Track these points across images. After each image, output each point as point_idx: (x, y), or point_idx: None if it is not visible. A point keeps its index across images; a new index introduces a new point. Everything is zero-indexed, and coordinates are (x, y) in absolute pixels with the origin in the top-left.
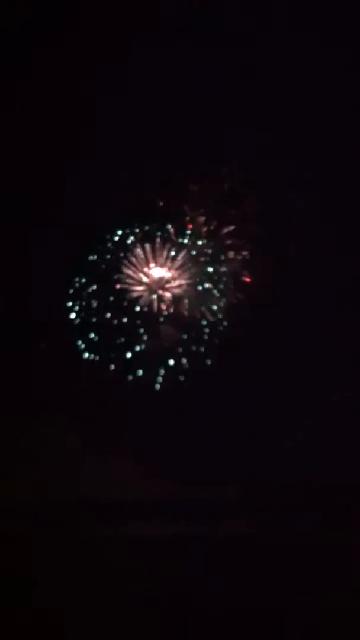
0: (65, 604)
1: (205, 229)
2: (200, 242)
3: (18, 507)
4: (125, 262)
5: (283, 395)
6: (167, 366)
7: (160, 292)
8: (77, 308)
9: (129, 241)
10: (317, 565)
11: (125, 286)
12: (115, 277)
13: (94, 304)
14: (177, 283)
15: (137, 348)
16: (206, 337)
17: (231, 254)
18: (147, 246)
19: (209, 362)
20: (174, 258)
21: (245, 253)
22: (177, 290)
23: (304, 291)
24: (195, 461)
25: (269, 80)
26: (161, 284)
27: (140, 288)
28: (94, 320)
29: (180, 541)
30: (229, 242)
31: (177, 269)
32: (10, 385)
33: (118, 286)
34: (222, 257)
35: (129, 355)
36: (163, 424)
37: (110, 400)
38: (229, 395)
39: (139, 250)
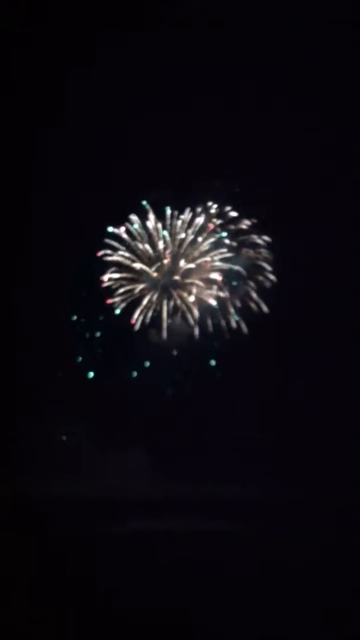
0: (70, 597)
1: (219, 222)
2: (213, 238)
3: (26, 505)
4: (134, 257)
5: (289, 398)
6: (174, 370)
7: (174, 292)
8: (81, 318)
9: (137, 235)
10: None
11: (131, 285)
12: (121, 274)
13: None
14: (189, 280)
15: (143, 350)
16: (215, 339)
17: (248, 252)
18: (156, 240)
19: (216, 370)
20: (185, 253)
21: (262, 251)
22: (189, 288)
23: (319, 297)
24: (200, 462)
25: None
26: (172, 280)
27: (144, 285)
28: (99, 321)
29: (184, 538)
30: (244, 238)
31: (190, 263)
32: (18, 388)
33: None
34: (238, 254)
35: (135, 356)
36: (170, 426)
37: (120, 402)
38: (235, 398)
39: (147, 244)
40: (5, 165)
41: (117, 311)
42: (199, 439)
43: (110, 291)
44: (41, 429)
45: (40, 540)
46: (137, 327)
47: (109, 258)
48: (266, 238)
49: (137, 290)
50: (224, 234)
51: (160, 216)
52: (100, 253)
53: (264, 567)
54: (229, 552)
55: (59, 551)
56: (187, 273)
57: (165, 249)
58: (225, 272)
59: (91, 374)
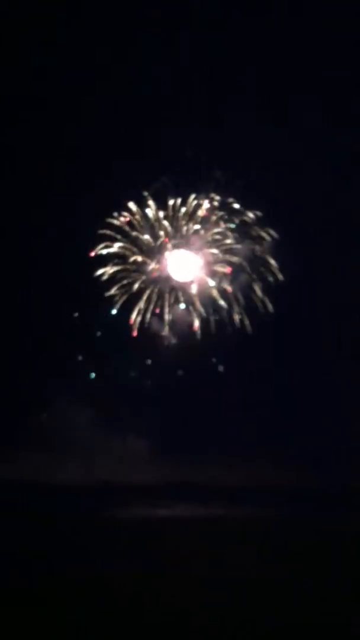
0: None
1: (221, 214)
2: (217, 229)
3: (28, 490)
4: (135, 248)
5: (289, 385)
6: (175, 363)
7: (176, 284)
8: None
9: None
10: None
11: (132, 278)
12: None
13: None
14: (190, 272)
15: (144, 344)
16: (217, 331)
17: (251, 244)
18: (158, 230)
19: (218, 363)
20: (187, 244)
21: (265, 244)
22: (190, 280)
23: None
24: (204, 447)
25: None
26: (173, 272)
27: (145, 277)
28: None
29: (184, 522)
30: (247, 229)
31: (192, 254)
32: (25, 377)
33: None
34: (240, 246)
35: (135, 351)
36: (173, 412)
37: (122, 396)
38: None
39: (147, 235)
40: (4, 161)
41: (117, 305)
42: (200, 429)
43: (111, 284)
44: (44, 419)
45: (40, 525)
46: (139, 320)
47: (109, 250)
48: (270, 231)
49: (137, 284)
50: (232, 225)
51: (162, 206)
52: (101, 245)
53: (262, 553)
54: (227, 537)
55: (59, 535)
56: (189, 263)
57: (166, 239)
58: (228, 264)
59: (93, 375)
